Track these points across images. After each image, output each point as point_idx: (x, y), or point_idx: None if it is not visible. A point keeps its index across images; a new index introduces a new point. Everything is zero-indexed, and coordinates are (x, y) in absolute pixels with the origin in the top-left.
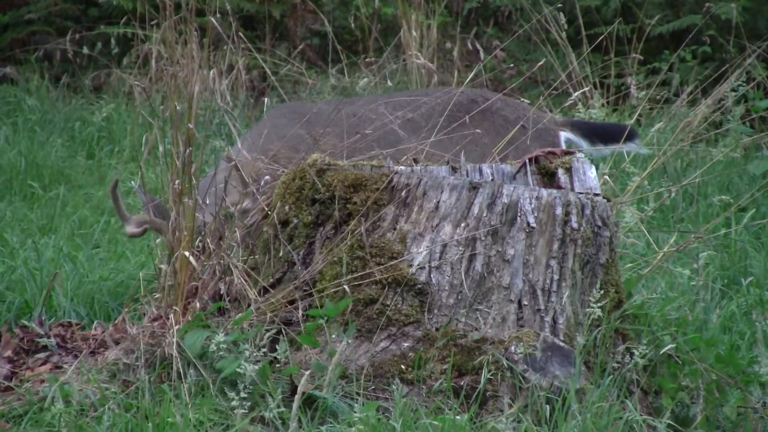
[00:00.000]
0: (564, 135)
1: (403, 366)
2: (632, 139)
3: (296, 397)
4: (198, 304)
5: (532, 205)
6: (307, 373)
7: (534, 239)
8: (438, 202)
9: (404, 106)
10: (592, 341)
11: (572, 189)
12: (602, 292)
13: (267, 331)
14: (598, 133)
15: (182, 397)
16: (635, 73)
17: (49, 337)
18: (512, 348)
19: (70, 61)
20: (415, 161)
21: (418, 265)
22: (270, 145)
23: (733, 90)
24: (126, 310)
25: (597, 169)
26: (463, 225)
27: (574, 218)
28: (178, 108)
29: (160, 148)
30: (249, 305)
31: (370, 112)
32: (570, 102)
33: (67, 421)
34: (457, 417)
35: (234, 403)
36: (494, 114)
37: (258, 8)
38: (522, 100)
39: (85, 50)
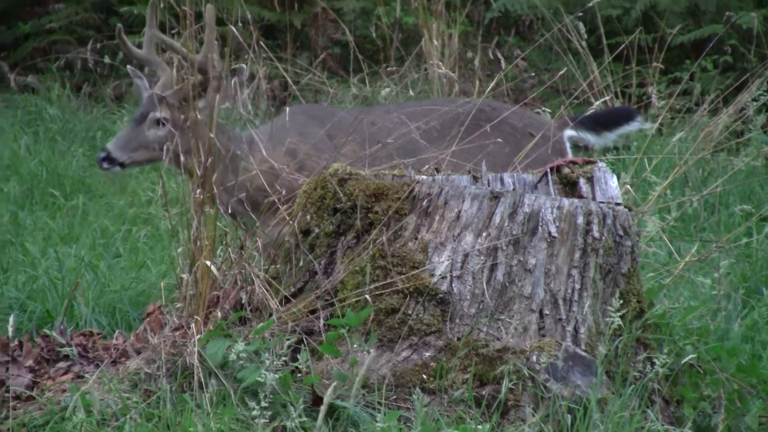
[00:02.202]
0: (567, 134)
1: (424, 375)
2: (634, 118)
3: (321, 408)
4: (219, 314)
5: (554, 215)
6: (333, 384)
7: (555, 249)
8: (459, 211)
9: (416, 116)
10: (614, 351)
11: (594, 198)
12: (622, 301)
13: (288, 340)
14: (601, 122)
15: (203, 406)
16: (656, 82)
17: (70, 347)
18: (534, 357)
19: (91, 70)
20: (437, 170)
21: (440, 274)
22: (291, 139)
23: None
24: (147, 319)
25: (618, 178)
26: (484, 234)
27: (595, 228)
28: (199, 117)
29: (182, 158)
30: (270, 314)
31: (388, 122)
32: (591, 111)
33: (89, 431)
34: (479, 427)
35: (255, 412)
36: (501, 122)
37: (279, 17)
38: (544, 109)
39: (107, 59)
